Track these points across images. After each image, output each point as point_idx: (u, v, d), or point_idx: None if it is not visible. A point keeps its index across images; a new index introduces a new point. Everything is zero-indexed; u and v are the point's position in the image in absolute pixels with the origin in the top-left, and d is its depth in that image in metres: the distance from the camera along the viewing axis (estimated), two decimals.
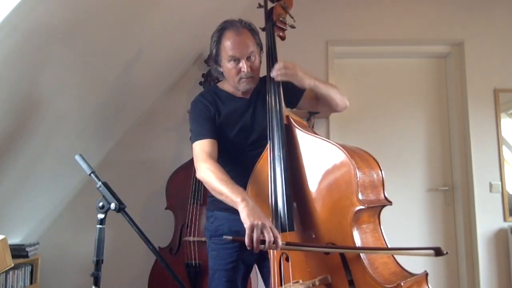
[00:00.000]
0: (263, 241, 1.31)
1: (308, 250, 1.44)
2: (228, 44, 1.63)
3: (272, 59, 1.72)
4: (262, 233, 1.32)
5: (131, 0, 2.13)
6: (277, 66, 1.60)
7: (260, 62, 1.72)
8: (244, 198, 1.41)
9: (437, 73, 3.48)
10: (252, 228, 1.32)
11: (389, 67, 3.46)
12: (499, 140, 3.23)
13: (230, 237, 1.39)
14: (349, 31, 3.37)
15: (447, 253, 1.24)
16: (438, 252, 1.23)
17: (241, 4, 3.25)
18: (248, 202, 1.39)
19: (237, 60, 1.64)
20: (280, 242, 1.32)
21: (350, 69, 3.45)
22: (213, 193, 1.54)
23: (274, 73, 1.60)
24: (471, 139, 3.23)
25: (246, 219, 1.35)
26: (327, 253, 1.40)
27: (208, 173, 1.54)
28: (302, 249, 1.44)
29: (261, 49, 1.75)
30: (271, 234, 1.31)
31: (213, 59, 1.71)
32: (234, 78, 1.67)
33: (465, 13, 3.37)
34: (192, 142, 1.68)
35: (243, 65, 1.64)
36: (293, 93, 1.76)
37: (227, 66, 1.67)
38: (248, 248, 1.33)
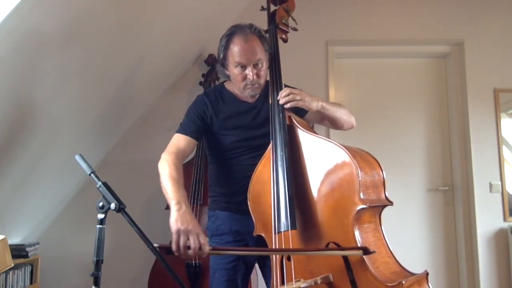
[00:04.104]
0: (189, 247, 1.33)
1: (236, 254, 1.51)
2: (235, 50, 1.63)
3: (275, 62, 1.73)
4: (188, 239, 1.33)
5: (131, 1, 2.13)
6: (283, 93, 1.61)
7: (267, 68, 1.72)
8: (179, 201, 1.42)
9: (437, 73, 3.48)
10: (178, 233, 1.34)
11: (389, 67, 3.46)
12: (499, 140, 3.24)
13: (157, 244, 1.38)
14: (349, 31, 3.37)
15: (374, 251, 1.28)
16: (366, 251, 1.28)
17: (240, 5, 3.26)
18: (181, 207, 1.41)
19: (243, 66, 1.64)
20: (206, 249, 1.34)
21: (350, 69, 3.45)
22: (161, 186, 1.56)
23: (281, 100, 1.60)
24: (471, 139, 3.23)
25: (173, 224, 1.37)
26: None
27: (165, 165, 1.56)
28: (230, 253, 1.52)
29: (269, 54, 1.73)
30: (197, 241, 1.33)
31: (220, 62, 1.72)
32: (239, 84, 1.68)
33: (465, 13, 3.37)
34: (175, 132, 1.72)
35: (249, 72, 1.63)
36: (297, 110, 1.77)
37: (233, 71, 1.67)
38: (175, 253, 1.34)
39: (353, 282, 1.32)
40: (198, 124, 1.71)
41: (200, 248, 1.33)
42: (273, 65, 1.72)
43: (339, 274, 1.35)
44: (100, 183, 1.28)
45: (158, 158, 3.50)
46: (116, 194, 1.28)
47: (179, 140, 1.68)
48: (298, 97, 1.60)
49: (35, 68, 1.89)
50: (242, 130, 1.72)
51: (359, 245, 1.34)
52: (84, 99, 2.45)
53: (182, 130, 1.71)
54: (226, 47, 1.66)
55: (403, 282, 1.24)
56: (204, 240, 1.35)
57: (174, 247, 1.33)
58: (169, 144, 1.69)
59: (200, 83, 3.16)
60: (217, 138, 1.73)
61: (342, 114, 1.75)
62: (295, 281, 1.40)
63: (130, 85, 2.80)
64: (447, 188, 3.33)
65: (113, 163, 3.19)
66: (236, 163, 1.72)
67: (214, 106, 1.73)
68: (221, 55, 1.69)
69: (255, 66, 1.64)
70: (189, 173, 2.82)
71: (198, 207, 2.75)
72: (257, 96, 1.74)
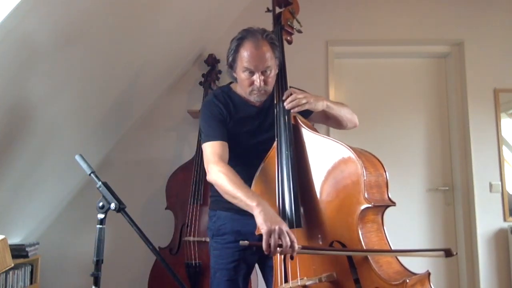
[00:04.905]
0: (279, 245, 1.30)
1: (322, 253, 1.43)
2: (245, 55, 1.59)
3: (280, 63, 1.72)
4: (280, 238, 1.30)
5: (131, 2, 2.13)
6: (288, 99, 1.60)
7: (276, 74, 1.69)
8: (260, 202, 1.39)
9: (437, 73, 3.48)
10: (269, 234, 1.31)
11: (389, 67, 3.46)
12: (499, 140, 3.23)
13: (247, 242, 1.36)
14: (349, 31, 3.37)
15: (456, 253, 1.24)
16: (448, 253, 1.24)
17: (240, 5, 3.26)
18: (264, 207, 1.38)
19: (251, 72, 1.61)
20: (296, 246, 1.32)
21: (350, 69, 3.45)
22: (226, 196, 1.52)
23: (287, 106, 1.59)
24: (471, 139, 3.23)
25: (263, 224, 1.33)
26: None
27: (221, 175, 1.52)
28: (317, 253, 1.43)
29: (280, 61, 1.70)
30: (288, 239, 1.30)
31: (229, 64, 1.68)
32: (246, 89, 1.66)
33: (465, 13, 3.37)
34: (203, 143, 1.67)
35: (257, 78, 1.61)
36: (302, 111, 1.77)
37: (241, 75, 1.64)
38: (266, 253, 1.32)
39: (357, 281, 1.33)
40: (220, 126, 1.67)
41: (291, 245, 1.31)
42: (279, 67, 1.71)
43: (343, 273, 1.36)
44: (100, 183, 1.28)
45: (158, 158, 3.52)
46: (116, 194, 1.28)
47: (214, 148, 1.62)
48: (303, 101, 1.59)
49: (34, 69, 1.89)
50: (249, 134, 1.71)
51: (363, 244, 1.34)
52: (84, 99, 2.45)
53: (211, 137, 1.65)
54: (236, 50, 1.63)
55: (407, 281, 1.25)
56: (294, 238, 1.33)
57: (265, 246, 1.31)
58: (206, 156, 1.62)
59: (200, 83, 3.16)
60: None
61: (346, 113, 1.76)
62: (299, 279, 1.40)
63: (130, 85, 2.81)
64: (447, 188, 3.33)
65: (113, 163, 3.19)
66: (239, 165, 1.71)
67: (226, 107, 1.71)
68: (230, 58, 1.66)
69: (263, 73, 1.61)
70: (189, 173, 2.83)
71: (198, 207, 2.75)
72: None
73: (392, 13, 3.39)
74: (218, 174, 1.53)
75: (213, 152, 1.60)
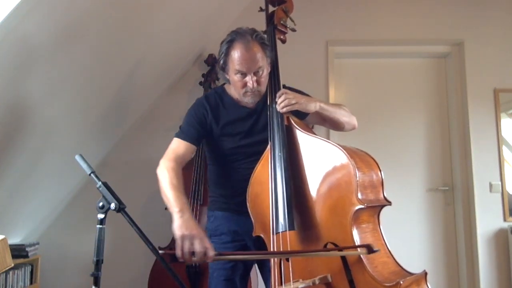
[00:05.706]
0: (194, 253, 1.33)
1: (240, 259, 1.51)
2: (236, 57, 1.59)
3: (273, 63, 1.72)
4: (192, 244, 1.33)
5: (131, 2, 2.13)
6: (279, 100, 1.60)
7: (268, 74, 1.69)
8: (182, 209, 1.43)
9: (437, 73, 3.48)
10: (182, 239, 1.34)
11: (389, 67, 3.46)
12: (499, 140, 3.23)
13: (162, 251, 1.40)
14: (349, 31, 3.37)
15: (378, 250, 1.28)
16: (369, 249, 1.27)
17: (240, 5, 3.26)
18: (184, 214, 1.41)
19: (244, 74, 1.61)
20: (210, 253, 1.34)
21: (350, 69, 3.45)
22: (161, 194, 1.56)
23: (278, 108, 1.60)
24: (471, 139, 3.23)
25: (177, 230, 1.37)
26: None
27: (165, 172, 1.56)
28: (234, 258, 1.52)
29: (271, 60, 1.70)
30: (200, 246, 1.33)
31: (220, 67, 1.68)
32: (239, 91, 1.66)
33: (465, 13, 3.37)
34: (174, 136, 1.71)
35: (250, 80, 1.61)
36: (298, 113, 1.77)
37: (233, 77, 1.64)
38: (180, 260, 1.34)
39: (351, 282, 1.33)
40: (198, 129, 1.69)
41: (205, 253, 1.33)
42: (271, 66, 1.71)
43: (338, 274, 1.36)
44: (100, 183, 1.28)
45: (158, 158, 3.51)
46: (116, 194, 1.28)
47: (178, 146, 1.67)
48: (293, 101, 1.59)
49: (34, 69, 1.89)
50: (242, 136, 1.71)
51: (356, 245, 1.33)
52: (84, 99, 2.45)
53: (182, 135, 1.69)
54: (226, 53, 1.63)
55: (401, 282, 1.24)
56: (208, 244, 1.35)
57: (178, 252, 1.33)
58: (168, 150, 1.67)
59: (200, 83, 3.16)
60: (217, 143, 1.72)
61: (342, 115, 1.73)
62: (293, 282, 1.40)
63: (131, 85, 2.81)
64: (447, 188, 3.33)
65: (113, 163, 3.19)
66: (235, 167, 1.72)
67: (214, 111, 1.71)
68: (221, 61, 1.66)
69: (255, 73, 1.61)
70: (188, 173, 2.83)
71: (198, 207, 2.75)
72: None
73: (392, 13, 3.39)
74: (164, 170, 1.57)
75: (174, 149, 1.66)
